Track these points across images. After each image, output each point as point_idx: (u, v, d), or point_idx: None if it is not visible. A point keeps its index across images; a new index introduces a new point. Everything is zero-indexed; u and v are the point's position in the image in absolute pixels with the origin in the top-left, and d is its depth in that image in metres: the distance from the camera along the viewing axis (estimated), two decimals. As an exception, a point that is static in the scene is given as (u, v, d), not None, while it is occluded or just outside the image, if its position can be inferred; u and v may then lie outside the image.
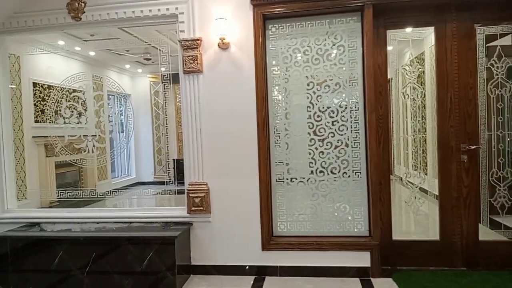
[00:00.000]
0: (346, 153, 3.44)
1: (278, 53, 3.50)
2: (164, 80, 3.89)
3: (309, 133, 3.49)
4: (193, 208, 3.50)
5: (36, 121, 5.59)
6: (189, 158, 3.54)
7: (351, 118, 3.43)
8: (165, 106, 8.49)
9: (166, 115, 8.69)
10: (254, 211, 3.45)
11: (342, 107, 3.45)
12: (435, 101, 3.43)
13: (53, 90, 5.41)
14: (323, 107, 3.48)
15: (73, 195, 4.13)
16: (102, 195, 4.36)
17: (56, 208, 4.28)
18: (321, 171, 3.48)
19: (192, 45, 3.44)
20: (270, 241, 3.44)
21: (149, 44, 6.31)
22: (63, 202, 4.18)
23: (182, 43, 3.46)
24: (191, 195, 3.51)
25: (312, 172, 3.49)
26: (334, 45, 3.43)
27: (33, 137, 5.43)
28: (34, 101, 5.57)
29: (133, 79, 8.52)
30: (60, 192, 4.19)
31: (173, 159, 4.56)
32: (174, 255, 3.21)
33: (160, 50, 3.84)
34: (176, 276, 3.21)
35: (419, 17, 3.41)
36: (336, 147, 3.45)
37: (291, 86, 3.50)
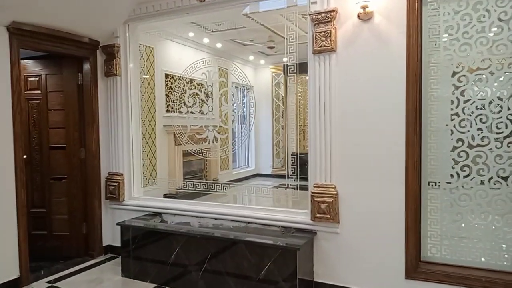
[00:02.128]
0: (540, 159, 2.41)
1: (440, 21, 2.65)
2: (290, 71, 3.39)
3: (480, 129, 2.56)
4: (317, 215, 2.94)
5: (167, 111, 5.82)
6: (315, 155, 2.99)
7: (550, 109, 2.39)
8: (286, 98, 8.19)
9: (286, 107, 8.40)
10: (396, 226, 2.71)
11: (536, 93, 2.42)
12: None
13: (181, 80, 5.53)
14: (504, 94, 2.50)
15: (198, 186, 4.02)
16: (223, 186, 4.18)
17: (181, 195, 4.28)
18: (496, 182, 2.52)
19: (325, 18, 2.86)
20: (417, 267, 2.65)
21: (273, 31, 6.03)
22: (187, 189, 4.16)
23: (313, 16, 2.90)
24: (316, 199, 2.95)
25: (482, 182, 2.56)
26: (526, 6, 2.42)
27: (164, 126, 5.67)
28: (165, 91, 5.80)
29: (255, 70, 8.48)
30: (186, 182, 4.16)
31: (293, 153, 4.11)
32: (295, 267, 2.74)
33: (284, 38, 3.39)
34: (297, 291, 2.74)
35: None
36: (524, 149, 2.45)
37: (453, 66, 2.62)
